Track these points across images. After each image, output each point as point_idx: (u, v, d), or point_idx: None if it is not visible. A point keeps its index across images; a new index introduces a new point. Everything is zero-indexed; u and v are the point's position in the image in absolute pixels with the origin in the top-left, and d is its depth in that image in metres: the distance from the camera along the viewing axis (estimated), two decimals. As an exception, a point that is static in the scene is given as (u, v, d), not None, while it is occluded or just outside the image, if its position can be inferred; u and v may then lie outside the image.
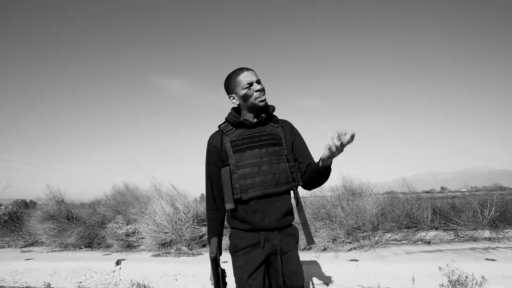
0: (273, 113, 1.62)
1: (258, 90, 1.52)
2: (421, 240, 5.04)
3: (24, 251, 6.84)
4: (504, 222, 5.13)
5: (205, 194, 1.62)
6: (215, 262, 1.47)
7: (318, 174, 1.44)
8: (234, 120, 1.57)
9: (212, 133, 1.64)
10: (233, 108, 1.64)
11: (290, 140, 1.59)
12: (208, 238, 1.58)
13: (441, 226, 5.37)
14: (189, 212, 5.56)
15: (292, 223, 1.56)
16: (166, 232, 5.39)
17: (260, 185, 1.45)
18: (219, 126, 1.62)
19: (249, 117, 1.58)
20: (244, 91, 1.53)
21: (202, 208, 6.16)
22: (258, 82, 1.55)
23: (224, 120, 1.64)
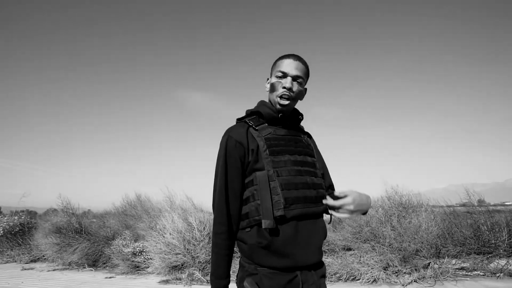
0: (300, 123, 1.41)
1: (285, 88, 1.24)
2: (501, 272, 3.87)
3: (25, 268, 6.22)
4: None
5: (214, 209, 1.21)
6: None
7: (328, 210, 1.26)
8: (268, 113, 1.28)
9: (230, 126, 1.28)
10: (261, 101, 1.35)
11: (317, 156, 1.39)
12: (211, 279, 1.17)
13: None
14: (204, 229, 4.69)
15: None
16: (178, 253, 4.53)
17: (303, 201, 1.16)
18: (241, 119, 1.31)
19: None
20: (274, 80, 1.28)
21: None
22: (295, 79, 1.26)
23: (248, 112, 1.33)
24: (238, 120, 1.32)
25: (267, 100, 1.32)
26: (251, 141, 1.20)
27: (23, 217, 9.22)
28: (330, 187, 1.39)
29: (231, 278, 1.22)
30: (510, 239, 4.34)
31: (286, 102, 1.23)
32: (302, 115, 1.39)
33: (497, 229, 4.46)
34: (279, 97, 1.24)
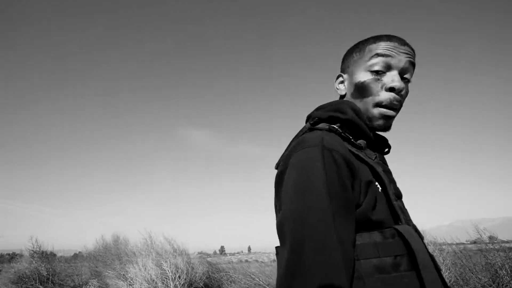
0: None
1: (392, 89, 0.75)
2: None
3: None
4: None
5: (305, 261, 0.57)
6: None
7: None
8: (365, 130, 0.77)
9: (313, 132, 0.74)
10: (344, 102, 0.81)
11: None
12: None
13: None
14: (179, 277, 4.04)
15: None
16: (148, 308, 3.84)
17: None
18: (326, 128, 0.75)
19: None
20: (365, 77, 0.78)
21: (201, 270, 4.62)
22: (405, 72, 0.77)
23: (325, 116, 0.79)
24: (312, 125, 0.79)
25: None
26: (361, 165, 0.71)
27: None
28: None
29: None
30: (534, 285, 3.77)
31: (394, 114, 0.78)
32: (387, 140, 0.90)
33: (517, 273, 3.91)
34: (381, 105, 0.76)
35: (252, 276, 4.96)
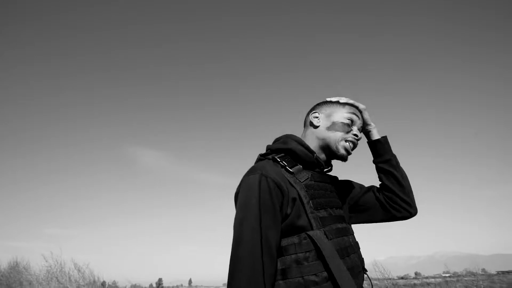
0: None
1: (355, 136, 1.15)
2: None
3: None
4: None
5: (234, 269, 0.91)
6: None
7: (383, 167, 1.22)
8: (305, 153, 1.10)
9: (260, 162, 1.09)
10: (288, 136, 1.17)
11: (349, 185, 1.27)
12: None
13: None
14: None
15: None
16: None
17: (355, 276, 1.00)
18: (265, 156, 1.13)
19: (322, 157, 1.17)
20: (339, 122, 1.15)
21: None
22: (360, 130, 1.21)
23: (272, 148, 1.15)
24: (262, 156, 1.13)
25: (302, 137, 1.20)
26: (290, 187, 1.00)
27: None
28: (370, 190, 1.25)
29: None
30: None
31: (351, 151, 1.15)
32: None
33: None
34: (345, 140, 1.13)
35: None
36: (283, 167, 1.04)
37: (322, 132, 1.14)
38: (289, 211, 0.96)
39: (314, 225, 0.96)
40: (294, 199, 0.97)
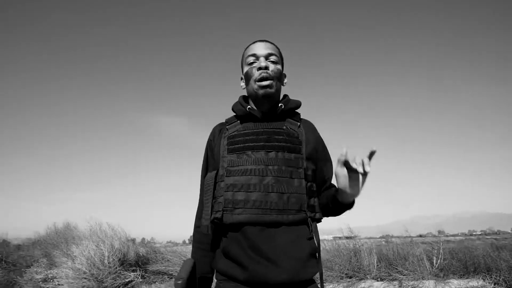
0: (296, 110, 1.18)
1: (260, 68, 1.09)
2: (362, 292, 4.65)
3: None
4: (449, 271, 4.84)
5: None
6: None
7: (337, 207, 1.03)
8: (239, 109, 1.14)
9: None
10: (243, 96, 1.22)
11: (313, 149, 1.11)
12: None
13: (385, 276, 5.01)
14: (114, 254, 5.06)
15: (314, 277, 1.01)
16: (85, 278, 4.82)
17: (256, 206, 0.96)
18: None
19: (264, 108, 1.14)
20: (246, 68, 1.14)
21: (135, 250, 5.64)
22: (268, 57, 1.12)
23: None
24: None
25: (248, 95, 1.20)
26: (217, 139, 1.14)
27: None
28: (325, 183, 1.14)
29: None
30: (378, 265, 5.21)
31: (267, 82, 1.07)
32: (297, 102, 1.17)
33: (366, 256, 5.33)
34: (257, 80, 1.09)
35: (180, 255, 6.10)
36: (225, 124, 1.17)
37: (247, 90, 1.17)
38: (217, 158, 1.10)
39: (220, 166, 1.06)
40: (218, 148, 1.11)
